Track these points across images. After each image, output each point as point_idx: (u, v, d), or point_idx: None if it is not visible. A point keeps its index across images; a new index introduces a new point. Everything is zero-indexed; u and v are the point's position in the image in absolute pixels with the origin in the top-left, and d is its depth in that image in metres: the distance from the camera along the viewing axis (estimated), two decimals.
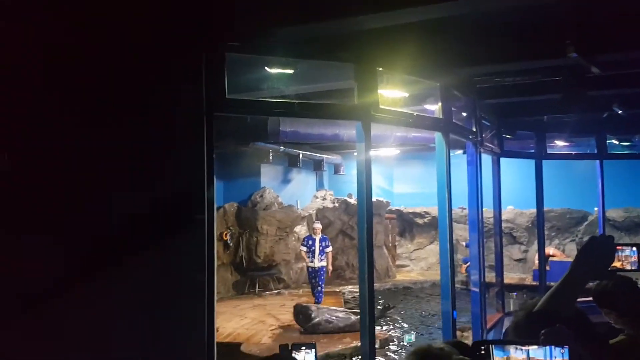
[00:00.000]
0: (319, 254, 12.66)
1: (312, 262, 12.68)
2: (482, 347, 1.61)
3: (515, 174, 12.91)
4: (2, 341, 3.72)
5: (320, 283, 12.75)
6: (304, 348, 2.34)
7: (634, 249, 1.93)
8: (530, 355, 1.57)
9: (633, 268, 1.93)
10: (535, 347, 1.56)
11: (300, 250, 13.12)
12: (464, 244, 13.91)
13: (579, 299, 1.87)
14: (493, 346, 1.59)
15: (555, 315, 1.75)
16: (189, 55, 4.15)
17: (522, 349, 1.57)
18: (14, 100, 3.92)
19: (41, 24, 3.97)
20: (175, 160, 4.14)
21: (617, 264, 1.91)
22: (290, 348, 2.36)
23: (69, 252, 3.86)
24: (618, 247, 1.90)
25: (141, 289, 3.96)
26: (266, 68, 5.34)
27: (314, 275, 12.75)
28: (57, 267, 3.83)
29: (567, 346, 1.54)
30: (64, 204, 3.93)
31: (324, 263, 12.79)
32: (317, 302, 12.31)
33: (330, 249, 12.99)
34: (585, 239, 1.99)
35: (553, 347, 1.55)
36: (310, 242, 12.80)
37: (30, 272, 3.79)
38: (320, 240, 12.78)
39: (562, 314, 1.77)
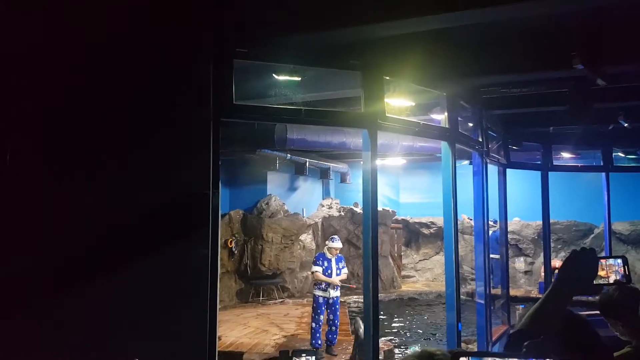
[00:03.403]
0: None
1: (326, 290, 9.46)
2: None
3: (522, 185, 12.87)
4: (2, 340, 3.72)
5: (336, 321, 9.51)
6: (305, 355, 2.33)
7: (619, 260, 1.88)
8: None
9: (617, 278, 1.87)
10: None
11: (315, 272, 9.54)
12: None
13: (586, 312, 1.83)
14: (470, 358, 1.50)
15: (538, 334, 1.66)
16: (196, 61, 4.16)
17: None
18: (21, 100, 3.94)
19: (44, 24, 3.99)
20: (181, 166, 4.14)
21: (600, 272, 1.85)
22: (290, 354, 2.35)
23: (68, 254, 3.85)
24: (602, 260, 1.86)
25: (142, 295, 3.94)
26: (274, 75, 5.36)
27: (326, 307, 9.47)
28: (55, 269, 3.82)
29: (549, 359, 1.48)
30: (62, 207, 3.91)
31: (339, 292, 9.69)
32: (330, 344, 9.51)
33: (346, 269, 9.84)
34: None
35: None
36: (326, 263, 9.51)
37: (29, 272, 3.78)
38: (337, 261, 9.65)
39: (546, 333, 1.68)
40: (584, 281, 1.77)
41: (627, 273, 1.84)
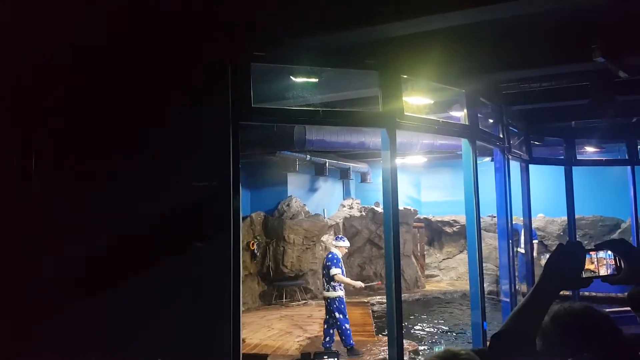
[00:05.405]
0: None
1: (342, 288, 9.40)
2: None
3: (545, 181, 12.69)
4: (21, 339, 3.78)
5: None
6: (327, 357, 2.32)
7: (609, 252, 1.80)
8: None
9: (608, 272, 1.80)
10: None
11: (337, 274, 9.19)
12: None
13: (613, 310, 1.77)
14: None
15: (524, 335, 1.62)
16: (214, 65, 4.19)
17: None
18: (43, 108, 3.99)
19: (64, 30, 4.03)
20: (202, 169, 4.16)
21: (590, 266, 1.78)
22: (312, 357, 2.34)
23: (91, 257, 3.89)
24: (591, 252, 1.79)
25: (166, 298, 3.97)
26: (291, 77, 5.36)
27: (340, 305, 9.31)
28: (78, 270, 3.87)
29: None
30: (85, 210, 3.96)
31: None
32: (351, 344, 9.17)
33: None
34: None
35: None
36: (341, 263, 9.43)
37: (52, 275, 3.83)
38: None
39: (532, 333, 1.64)
40: (571, 275, 1.71)
41: (618, 265, 1.77)
